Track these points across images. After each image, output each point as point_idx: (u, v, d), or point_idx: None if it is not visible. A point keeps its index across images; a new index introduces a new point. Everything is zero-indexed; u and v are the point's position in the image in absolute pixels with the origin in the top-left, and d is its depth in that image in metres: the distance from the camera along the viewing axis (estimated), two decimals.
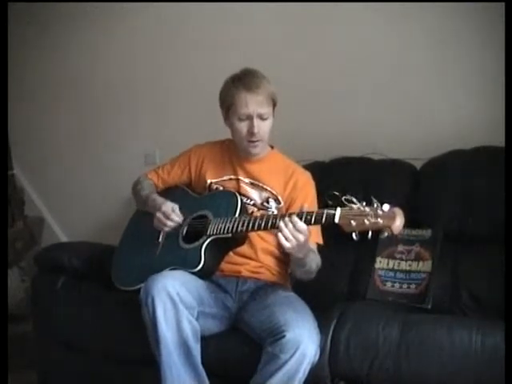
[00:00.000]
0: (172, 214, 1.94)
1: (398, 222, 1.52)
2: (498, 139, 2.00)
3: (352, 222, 1.56)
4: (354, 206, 1.58)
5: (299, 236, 1.67)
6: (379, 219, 1.53)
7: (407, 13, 2.55)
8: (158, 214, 1.95)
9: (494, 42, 2.22)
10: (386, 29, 2.62)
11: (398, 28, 2.60)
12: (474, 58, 2.47)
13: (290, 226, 1.67)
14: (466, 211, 2.21)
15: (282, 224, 1.68)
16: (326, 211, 1.64)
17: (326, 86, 2.71)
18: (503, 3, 1.90)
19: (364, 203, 1.57)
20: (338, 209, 1.60)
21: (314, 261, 1.90)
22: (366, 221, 1.54)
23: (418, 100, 2.59)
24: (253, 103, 1.92)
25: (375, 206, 1.55)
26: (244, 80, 1.95)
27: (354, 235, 1.57)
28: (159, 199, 2.02)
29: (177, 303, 1.71)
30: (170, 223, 1.95)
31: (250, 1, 2.84)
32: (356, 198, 1.59)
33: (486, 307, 2.04)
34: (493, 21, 2.28)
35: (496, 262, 1.98)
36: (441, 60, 2.53)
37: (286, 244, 1.68)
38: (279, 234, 1.68)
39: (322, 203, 1.84)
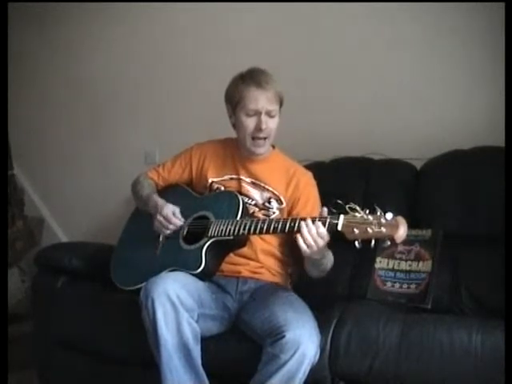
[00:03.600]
0: (173, 218, 1.94)
1: (401, 231, 1.52)
2: (498, 139, 2.00)
3: (355, 229, 1.56)
4: (357, 214, 1.57)
5: (320, 241, 1.66)
6: (382, 228, 1.53)
7: (407, 12, 2.55)
8: (159, 217, 1.95)
9: (494, 41, 2.22)
10: (386, 28, 2.62)
11: (398, 28, 2.59)
12: (473, 58, 2.47)
13: (313, 231, 1.66)
14: (466, 211, 2.21)
15: (303, 229, 1.66)
16: (329, 218, 1.64)
17: (326, 86, 2.71)
18: (503, 3, 1.90)
19: (367, 211, 1.57)
20: (341, 216, 1.60)
21: (330, 260, 1.90)
22: (369, 229, 1.54)
23: (417, 100, 2.58)
24: (262, 99, 1.93)
25: (378, 214, 1.55)
26: (253, 76, 1.96)
27: (356, 243, 1.57)
28: (160, 201, 2.01)
29: (177, 306, 1.71)
30: (171, 226, 1.95)
31: (251, 1, 2.84)
32: (359, 205, 1.59)
33: (485, 307, 2.04)
34: (493, 21, 2.28)
35: (496, 262, 1.98)
36: (440, 60, 2.53)
37: (306, 249, 1.67)
38: (300, 240, 1.67)
39: (323, 205, 1.83)
